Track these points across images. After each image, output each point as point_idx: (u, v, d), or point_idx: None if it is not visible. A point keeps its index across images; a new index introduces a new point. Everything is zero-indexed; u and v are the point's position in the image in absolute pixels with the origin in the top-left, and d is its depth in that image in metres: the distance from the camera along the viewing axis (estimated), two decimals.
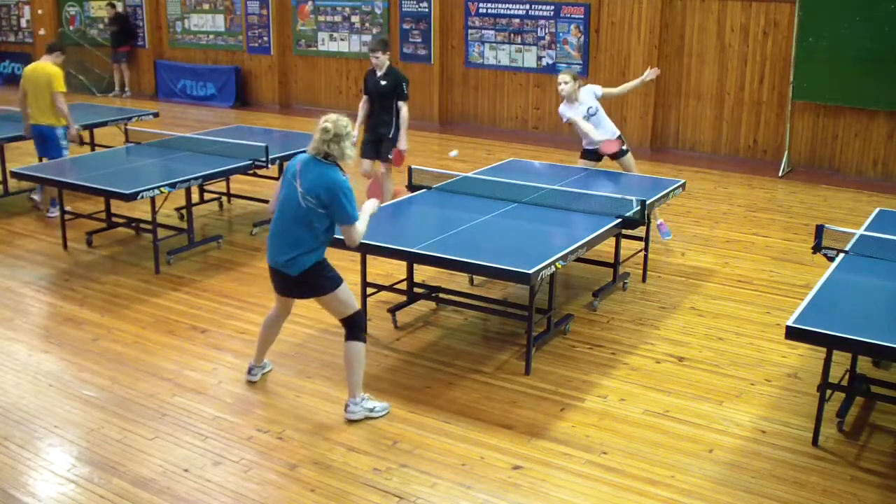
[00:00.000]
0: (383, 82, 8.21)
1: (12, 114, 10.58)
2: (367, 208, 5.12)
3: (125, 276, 7.40)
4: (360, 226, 4.90)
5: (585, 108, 7.70)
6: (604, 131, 7.83)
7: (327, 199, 4.74)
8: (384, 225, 6.42)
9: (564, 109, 7.74)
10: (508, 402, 5.28)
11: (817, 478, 4.54)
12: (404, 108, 8.22)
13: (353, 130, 4.95)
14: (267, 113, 15.57)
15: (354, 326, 4.98)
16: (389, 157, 8.15)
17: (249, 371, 5.53)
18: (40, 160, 9.22)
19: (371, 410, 5.07)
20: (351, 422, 5.01)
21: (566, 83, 7.59)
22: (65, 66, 9.25)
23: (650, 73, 8.23)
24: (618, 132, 7.97)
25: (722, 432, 4.98)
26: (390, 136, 8.26)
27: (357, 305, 5.03)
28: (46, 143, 8.89)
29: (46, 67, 8.82)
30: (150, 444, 4.80)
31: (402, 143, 8.22)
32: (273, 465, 4.60)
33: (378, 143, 8.34)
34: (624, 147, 7.89)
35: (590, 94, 7.75)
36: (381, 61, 8.20)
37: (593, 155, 8.01)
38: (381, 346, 6.07)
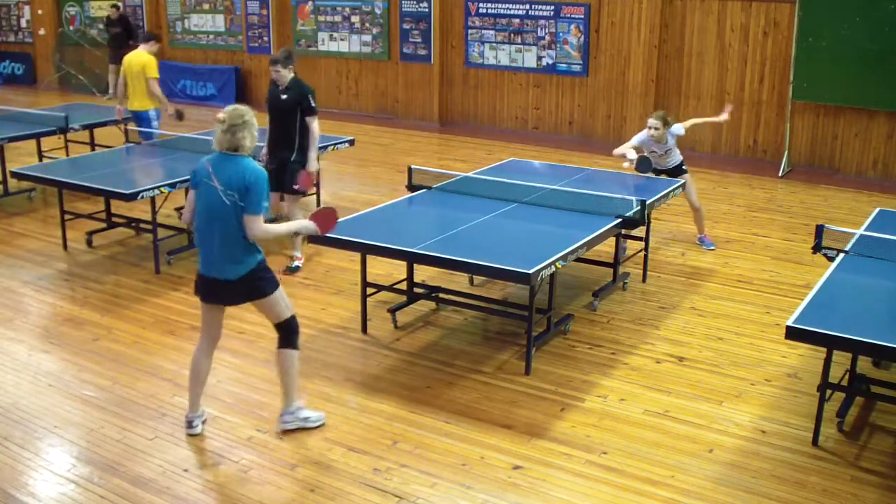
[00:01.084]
0: (284, 97, 7.35)
1: (12, 114, 10.59)
2: (294, 225, 5.11)
3: (125, 276, 7.40)
4: (270, 226, 4.72)
5: (665, 150, 7.83)
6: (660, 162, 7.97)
7: (242, 189, 4.53)
8: (384, 225, 6.43)
9: (646, 141, 7.82)
10: (508, 402, 5.28)
11: (817, 478, 4.54)
12: (314, 124, 7.40)
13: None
14: (267, 113, 15.53)
15: (291, 332, 4.80)
16: (295, 185, 7.11)
17: (189, 424, 4.90)
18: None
19: (305, 420, 4.92)
20: (285, 432, 4.87)
21: (657, 129, 7.67)
22: (158, 54, 10.03)
23: (725, 114, 8.42)
24: (678, 161, 7.99)
25: (722, 432, 4.98)
26: (292, 159, 7.32)
27: (293, 310, 4.87)
28: (141, 124, 9.57)
29: (141, 56, 9.48)
30: (150, 444, 4.80)
31: (312, 164, 7.36)
32: (273, 465, 4.60)
33: (280, 171, 7.22)
34: (683, 167, 8.01)
35: (673, 136, 7.82)
36: (283, 76, 7.33)
37: (657, 172, 8.06)
38: (381, 346, 6.07)
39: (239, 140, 4.63)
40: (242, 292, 4.71)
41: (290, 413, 4.91)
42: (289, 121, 7.37)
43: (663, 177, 7.89)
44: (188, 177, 7.46)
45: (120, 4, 17.16)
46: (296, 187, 7.14)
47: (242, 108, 4.73)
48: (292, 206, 7.40)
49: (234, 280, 4.64)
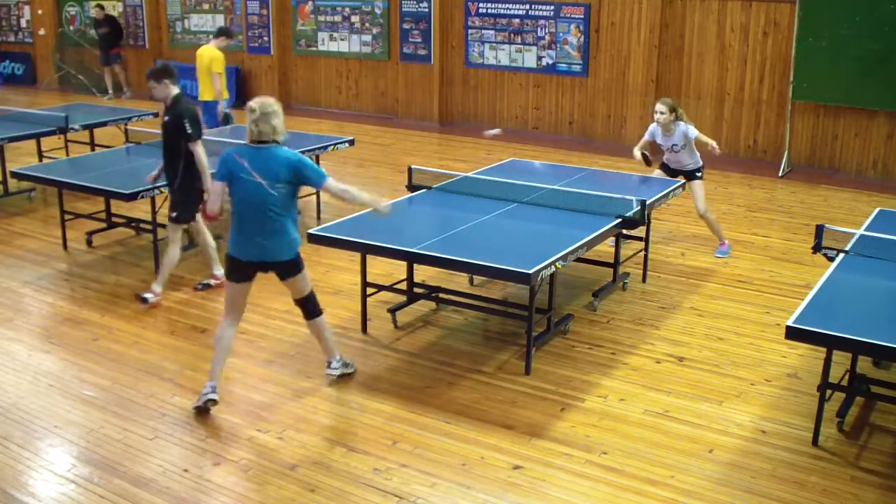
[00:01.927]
0: (166, 118, 6.65)
1: (12, 114, 10.58)
2: (367, 198, 5.49)
3: (125, 276, 7.40)
4: (347, 187, 5.24)
5: (671, 144, 7.68)
6: (674, 161, 7.84)
7: (293, 176, 4.90)
8: (384, 225, 6.43)
9: (654, 131, 7.76)
10: (508, 402, 5.28)
11: (817, 478, 4.54)
12: (196, 150, 6.53)
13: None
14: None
15: (314, 303, 5.28)
16: (174, 215, 6.67)
17: (205, 391, 5.08)
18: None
19: (346, 366, 5.54)
20: (333, 378, 5.48)
21: (662, 114, 7.52)
22: (226, 49, 10.75)
23: (717, 149, 7.78)
24: (695, 165, 7.81)
25: (722, 432, 4.98)
26: (176, 187, 6.65)
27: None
28: (207, 114, 10.30)
29: (209, 51, 10.42)
30: (150, 444, 4.80)
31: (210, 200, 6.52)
32: (273, 465, 4.60)
33: (171, 202, 6.75)
34: (698, 174, 7.81)
35: (682, 133, 7.61)
36: (160, 93, 6.65)
37: (668, 169, 7.94)
38: (381, 346, 6.07)
39: (269, 129, 4.85)
40: (292, 270, 5.09)
41: (337, 361, 5.50)
42: (170, 144, 6.62)
43: (680, 178, 7.77)
44: None
45: (104, 5, 17.09)
46: (178, 217, 6.69)
47: (270, 98, 4.95)
48: (174, 232, 6.75)
49: (288, 260, 5.04)
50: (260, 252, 4.99)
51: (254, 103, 4.88)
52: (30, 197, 9.72)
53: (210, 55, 10.39)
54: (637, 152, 7.85)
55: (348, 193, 5.20)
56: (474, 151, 12.38)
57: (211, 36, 10.84)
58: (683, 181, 7.69)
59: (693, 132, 7.61)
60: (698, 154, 7.77)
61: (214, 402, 5.07)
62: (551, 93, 13.40)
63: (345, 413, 5.15)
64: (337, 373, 5.49)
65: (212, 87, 10.46)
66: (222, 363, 5.17)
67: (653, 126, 7.74)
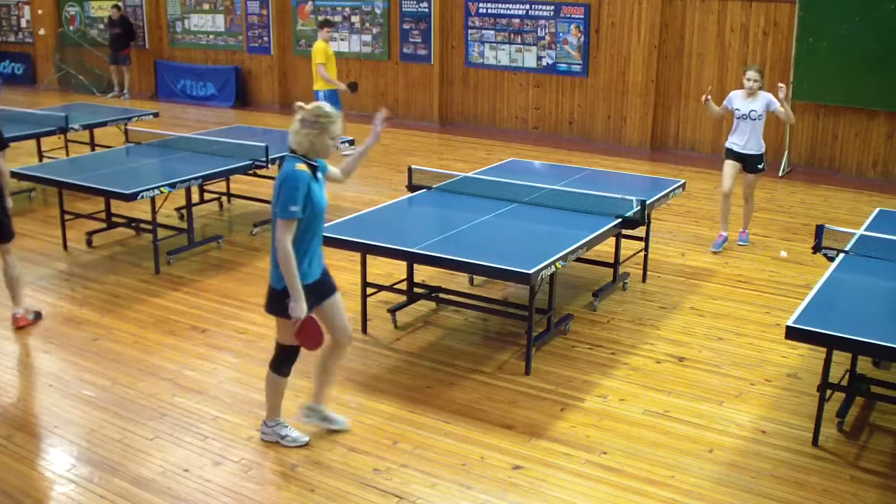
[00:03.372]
0: None
1: (12, 114, 10.58)
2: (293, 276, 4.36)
3: (125, 276, 7.40)
4: (282, 234, 4.25)
5: (750, 110, 7.74)
6: (743, 136, 7.87)
7: (276, 192, 4.32)
8: (384, 225, 6.43)
9: (734, 97, 7.86)
10: (508, 402, 5.28)
11: (817, 478, 4.54)
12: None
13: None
14: (267, 113, 15.57)
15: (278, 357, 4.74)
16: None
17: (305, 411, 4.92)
18: None
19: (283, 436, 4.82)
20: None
21: (756, 81, 7.64)
22: (328, 40, 11.75)
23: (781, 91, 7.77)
24: (760, 150, 7.90)
25: (722, 432, 4.98)
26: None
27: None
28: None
29: (316, 43, 11.59)
30: (150, 444, 4.80)
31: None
32: (273, 465, 4.60)
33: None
34: (760, 166, 7.94)
35: (765, 100, 7.71)
36: None
37: (734, 155, 7.96)
38: (381, 346, 6.07)
39: (299, 138, 4.40)
40: (270, 301, 4.53)
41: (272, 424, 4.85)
42: None
43: (738, 168, 7.86)
44: (188, 177, 7.56)
45: (121, 5, 17.16)
46: None
47: (326, 108, 4.43)
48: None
49: (271, 286, 4.49)
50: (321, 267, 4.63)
51: (302, 105, 4.46)
52: (30, 197, 9.72)
53: (315, 47, 11.58)
54: (713, 107, 7.98)
55: (281, 250, 4.28)
56: (474, 151, 12.38)
57: (324, 28, 11.84)
58: (684, 181, 7.68)
59: (775, 103, 7.65)
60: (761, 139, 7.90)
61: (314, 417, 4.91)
62: (551, 93, 13.41)
63: (345, 413, 5.14)
64: (267, 437, 4.82)
65: (320, 78, 11.44)
66: (322, 385, 4.89)
67: (734, 93, 7.88)
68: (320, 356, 4.78)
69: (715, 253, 8.01)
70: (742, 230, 8.26)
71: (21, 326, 6.29)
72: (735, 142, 7.95)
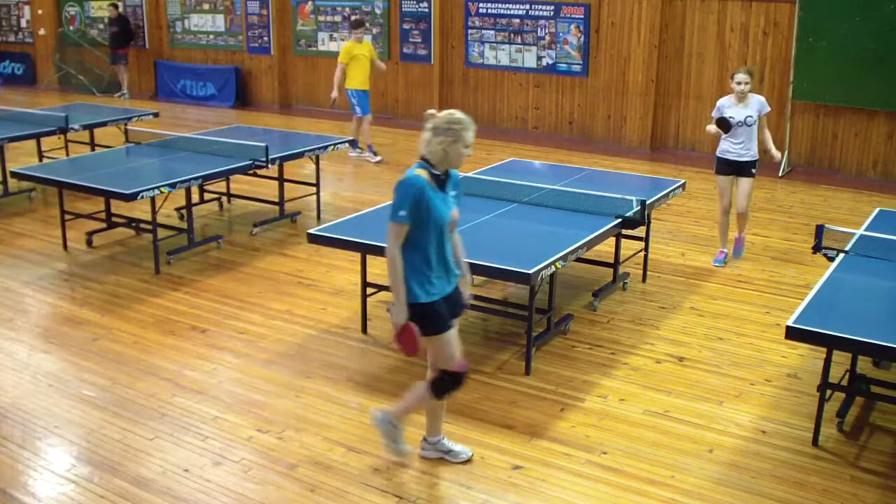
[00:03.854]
0: None
1: (12, 114, 10.58)
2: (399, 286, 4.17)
3: (125, 276, 7.40)
4: (392, 228, 4.13)
5: (745, 116, 7.28)
6: (738, 143, 7.38)
7: (393, 196, 4.17)
8: (384, 225, 6.42)
9: (725, 105, 7.38)
10: (508, 402, 5.28)
11: (817, 478, 4.54)
12: None
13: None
14: (267, 113, 15.57)
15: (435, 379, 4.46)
16: None
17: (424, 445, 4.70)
18: None
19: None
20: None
21: (747, 84, 7.18)
22: (359, 40, 11.56)
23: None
24: (754, 156, 7.42)
25: (722, 432, 4.98)
26: None
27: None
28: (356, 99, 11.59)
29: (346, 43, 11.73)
30: (150, 444, 4.80)
31: None
32: (273, 465, 4.60)
33: None
34: (754, 170, 7.48)
35: (758, 104, 7.31)
36: None
37: (728, 165, 7.47)
38: (381, 346, 6.07)
39: (432, 147, 4.15)
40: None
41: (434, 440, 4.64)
42: None
43: (733, 180, 7.47)
44: (188, 177, 7.56)
45: (119, 4, 17.17)
46: None
47: (458, 114, 4.20)
48: None
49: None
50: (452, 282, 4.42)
51: (435, 112, 4.23)
52: (30, 197, 9.72)
53: (342, 48, 11.70)
54: (712, 128, 7.39)
55: (389, 255, 4.15)
56: (474, 151, 12.34)
57: (353, 29, 11.75)
58: (684, 181, 7.68)
59: (766, 107, 7.34)
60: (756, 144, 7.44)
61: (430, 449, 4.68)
62: (551, 93, 13.41)
63: (345, 413, 5.15)
64: (428, 454, 4.63)
65: (352, 77, 11.48)
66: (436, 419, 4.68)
67: (723, 100, 7.40)
68: (423, 387, 4.49)
69: (718, 266, 7.66)
70: (738, 234, 7.80)
71: None
72: (730, 150, 7.43)
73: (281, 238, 8.45)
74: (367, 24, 11.93)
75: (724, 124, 7.28)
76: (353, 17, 13.55)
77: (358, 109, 11.59)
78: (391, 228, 4.13)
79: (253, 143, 8.43)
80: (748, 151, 7.39)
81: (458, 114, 4.20)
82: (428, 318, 4.20)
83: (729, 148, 7.44)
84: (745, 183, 7.48)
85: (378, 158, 11.68)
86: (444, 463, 4.63)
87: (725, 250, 7.77)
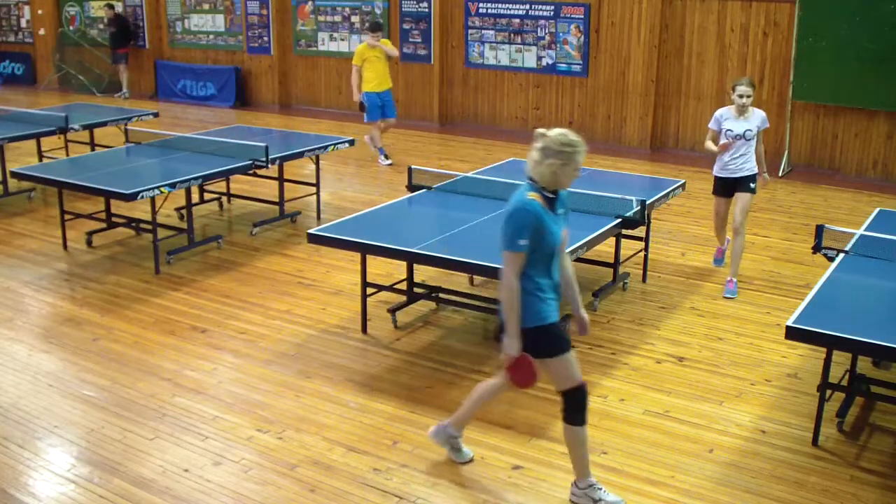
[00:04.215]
0: None
1: (12, 114, 10.59)
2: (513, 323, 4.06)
3: (125, 276, 7.40)
4: (510, 257, 3.97)
5: (745, 130, 6.84)
6: (736, 159, 6.93)
7: (505, 221, 4.01)
8: (384, 225, 6.43)
9: (724, 117, 6.92)
10: (508, 402, 5.28)
11: (817, 478, 4.54)
12: None
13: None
14: (267, 113, 15.57)
15: (572, 404, 4.20)
16: None
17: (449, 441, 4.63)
18: None
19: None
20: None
21: (749, 97, 6.74)
22: (372, 45, 11.33)
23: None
24: (752, 170, 6.95)
25: (722, 432, 4.98)
26: None
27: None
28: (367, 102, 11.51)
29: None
30: (150, 444, 4.80)
31: None
32: (273, 465, 4.60)
33: None
34: (752, 185, 6.98)
35: (759, 117, 6.88)
36: None
37: (725, 185, 7.05)
38: (381, 346, 6.07)
39: (541, 169, 3.99)
40: (528, 346, 4.10)
41: (584, 484, 4.30)
42: None
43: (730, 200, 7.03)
44: (188, 177, 7.56)
45: (116, 4, 17.16)
46: None
47: (572, 136, 4.00)
48: None
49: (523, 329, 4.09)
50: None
51: (545, 131, 4.04)
52: (30, 197, 9.72)
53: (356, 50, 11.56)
54: (710, 145, 7.08)
55: (504, 287, 4.00)
56: (474, 151, 12.38)
57: (368, 33, 11.58)
58: (683, 182, 7.67)
59: (766, 121, 6.92)
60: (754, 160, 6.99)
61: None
62: (551, 93, 13.41)
63: (345, 413, 5.15)
64: (578, 500, 4.29)
65: (365, 80, 11.38)
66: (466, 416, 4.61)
67: (722, 111, 6.94)
68: (485, 383, 4.47)
69: (718, 267, 7.54)
70: (729, 279, 7.08)
71: None
72: (727, 166, 6.96)
73: (281, 238, 8.46)
74: (381, 26, 11.62)
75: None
76: (369, 20, 13.54)
77: (365, 115, 11.57)
78: (509, 258, 3.97)
79: (253, 143, 8.43)
80: (746, 165, 6.92)
81: (570, 135, 4.00)
82: (551, 338, 4.09)
83: (726, 164, 6.97)
84: (743, 198, 6.96)
85: (389, 162, 11.60)
86: (444, 463, 4.63)
87: (724, 247, 7.54)
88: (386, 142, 12.39)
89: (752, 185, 6.98)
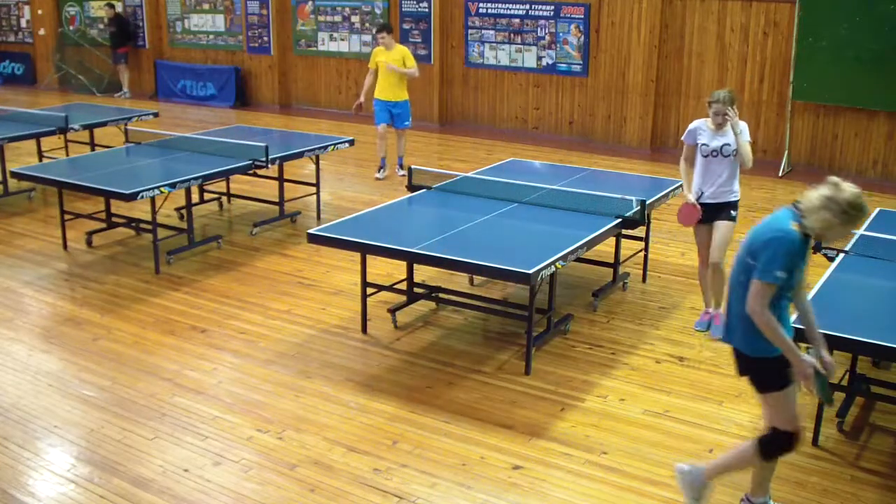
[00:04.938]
0: None
1: (12, 114, 10.58)
2: (792, 350, 3.83)
3: (125, 276, 7.40)
4: (763, 288, 3.74)
5: (722, 145, 5.97)
6: (714, 179, 6.02)
7: (759, 248, 3.80)
8: (384, 225, 6.43)
9: (699, 130, 6.07)
10: (508, 402, 5.28)
11: (817, 478, 4.54)
12: None
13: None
14: (267, 113, 15.57)
15: (771, 442, 4.02)
16: None
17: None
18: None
19: None
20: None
21: (726, 115, 5.88)
22: (386, 47, 10.76)
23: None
24: (736, 195, 6.08)
25: (722, 432, 4.97)
26: None
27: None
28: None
29: None
30: (150, 444, 4.80)
31: None
32: (273, 465, 4.60)
33: None
34: (734, 212, 6.10)
35: (740, 141, 5.90)
36: None
37: (705, 212, 6.08)
38: (381, 346, 6.07)
39: (817, 216, 3.73)
40: (743, 369, 4.01)
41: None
42: None
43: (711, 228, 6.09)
44: (188, 177, 7.55)
45: (115, 4, 17.16)
46: None
47: (863, 203, 3.73)
48: None
49: (738, 350, 3.99)
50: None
51: (835, 184, 3.77)
52: (30, 197, 9.72)
53: None
54: (691, 198, 6.08)
55: (764, 323, 3.77)
56: (474, 151, 12.37)
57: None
58: (682, 183, 7.32)
59: (746, 132, 5.94)
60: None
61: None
62: (551, 93, 13.41)
63: (345, 413, 5.15)
64: None
65: (378, 85, 10.89)
66: None
67: (696, 125, 6.10)
68: (749, 445, 4.10)
69: (716, 338, 6.12)
70: (715, 312, 6.27)
71: None
72: (703, 189, 6.05)
73: (281, 238, 8.46)
74: (389, 29, 10.84)
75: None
76: (379, 22, 13.18)
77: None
78: (761, 288, 3.74)
79: (253, 143, 8.43)
80: (726, 188, 6.03)
81: (862, 200, 3.74)
82: (777, 371, 3.89)
83: (703, 188, 6.06)
84: (722, 228, 6.03)
85: (382, 175, 10.93)
86: (444, 463, 4.63)
87: (711, 310, 6.33)
88: (386, 140, 12.41)
89: (732, 213, 6.07)
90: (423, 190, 7.17)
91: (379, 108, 10.85)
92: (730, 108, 5.86)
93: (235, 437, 4.88)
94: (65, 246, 8.10)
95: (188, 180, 7.54)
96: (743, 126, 5.94)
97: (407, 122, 11.00)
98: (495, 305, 6.58)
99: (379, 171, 11.01)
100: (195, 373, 5.65)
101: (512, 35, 13.51)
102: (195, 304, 6.79)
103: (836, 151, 11.32)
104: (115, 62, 17.28)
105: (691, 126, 6.17)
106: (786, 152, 11.42)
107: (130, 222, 8.40)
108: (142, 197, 7.09)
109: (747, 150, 5.91)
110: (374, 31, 11.22)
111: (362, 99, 10.98)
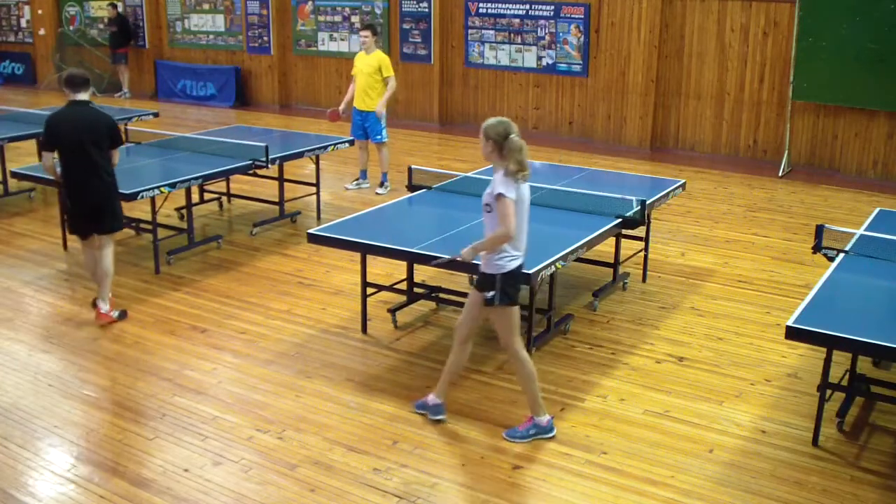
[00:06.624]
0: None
1: (13, 114, 10.58)
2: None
3: (125, 276, 7.39)
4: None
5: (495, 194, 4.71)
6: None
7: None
8: (384, 225, 6.43)
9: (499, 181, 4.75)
10: (508, 402, 5.28)
11: (817, 478, 4.54)
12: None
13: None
14: (267, 113, 15.57)
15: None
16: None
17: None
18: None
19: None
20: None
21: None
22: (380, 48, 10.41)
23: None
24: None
25: (722, 432, 4.98)
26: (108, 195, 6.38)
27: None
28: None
29: None
30: (150, 444, 4.80)
31: None
32: (273, 465, 4.60)
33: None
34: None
35: (494, 181, 4.82)
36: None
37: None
38: (381, 346, 6.07)
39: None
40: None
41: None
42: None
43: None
44: (188, 177, 7.55)
45: (118, 4, 17.18)
46: None
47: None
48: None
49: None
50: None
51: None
52: (30, 197, 9.72)
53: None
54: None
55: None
56: (474, 151, 12.36)
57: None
58: (684, 181, 7.64)
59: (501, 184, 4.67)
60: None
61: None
62: (551, 93, 13.41)
63: (345, 413, 5.15)
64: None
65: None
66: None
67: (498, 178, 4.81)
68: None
69: None
70: None
71: (103, 322, 6.36)
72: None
73: (281, 238, 8.46)
74: (374, 30, 10.02)
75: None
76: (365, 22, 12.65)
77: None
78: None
79: (253, 143, 8.43)
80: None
81: None
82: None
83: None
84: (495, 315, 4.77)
85: (353, 186, 10.26)
86: (444, 463, 4.63)
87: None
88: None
89: (488, 297, 4.67)
90: (423, 190, 7.17)
91: (354, 121, 10.07)
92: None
93: (235, 437, 4.88)
94: (65, 246, 8.10)
95: (188, 180, 7.54)
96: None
97: (379, 137, 9.93)
98: None
99: (353, 182, 10.30)
100: (195, 373, 5.65)
101: (512, 35, 13.51)
102: (195, 304, 6.79)
103: (836, 151, 11.32)
104: (114, 62, 17.29)
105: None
106: (786, 152, 11.42)
107: (130, 222, 8.39)
108: (142, 197, 7.09)
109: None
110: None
111: (341, 107, 10.30)
